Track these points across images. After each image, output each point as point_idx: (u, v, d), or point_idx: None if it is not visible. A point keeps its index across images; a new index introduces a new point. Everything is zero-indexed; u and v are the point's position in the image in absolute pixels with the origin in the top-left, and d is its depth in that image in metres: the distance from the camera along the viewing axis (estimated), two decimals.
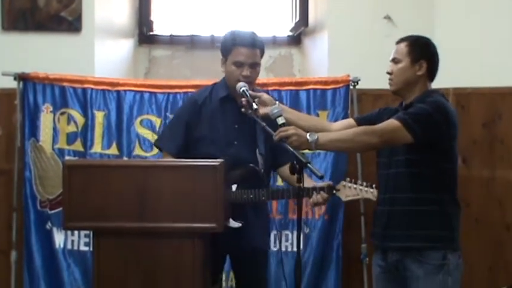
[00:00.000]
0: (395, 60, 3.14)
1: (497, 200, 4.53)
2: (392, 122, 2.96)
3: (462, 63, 4.64)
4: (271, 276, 4.16)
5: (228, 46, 3.39)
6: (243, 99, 3.22)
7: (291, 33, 5.27)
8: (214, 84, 3.55)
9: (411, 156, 3.00)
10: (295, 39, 5.29)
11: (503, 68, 4.48)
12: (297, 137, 2.87)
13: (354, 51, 4.72)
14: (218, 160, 3.04)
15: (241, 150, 3.38)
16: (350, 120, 3.42)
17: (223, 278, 4.06)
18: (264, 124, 3.14)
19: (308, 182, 3.25)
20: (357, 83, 4.41)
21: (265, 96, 3.24)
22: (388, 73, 3.15)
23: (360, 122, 3.31)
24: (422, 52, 3.14)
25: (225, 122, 3.42)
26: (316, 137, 2.87)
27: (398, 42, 3.19)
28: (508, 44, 4.49)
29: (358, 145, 3.06)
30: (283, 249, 4.30)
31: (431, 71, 3.18)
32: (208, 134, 3.41)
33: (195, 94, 3.74)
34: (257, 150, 3.34)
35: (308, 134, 2.87)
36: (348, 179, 3.29)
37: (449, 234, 3.03)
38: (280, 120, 2.93)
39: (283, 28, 5.31)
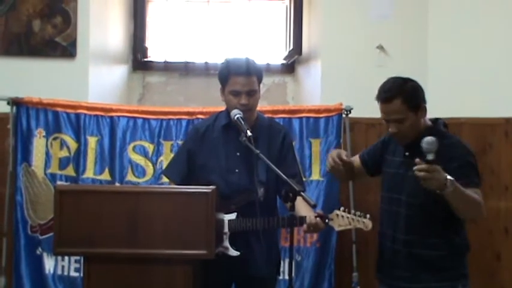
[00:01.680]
0: (398, 121, 3.05)
1: (487, 229, 4.53)
2: (477, 194, 3.00)
3: (455, 94, 4.68)
4: None
5: (224, 76, 3.41)
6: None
7: (284, 61, 5.30)
8: (220, 112, 3.55)
9: (428, 200, 3.01)
10: (289, 67, 5.32)
11: (494, 99, 4.52)
12: (437, 178, 2.84)
13: (347, 80, 4.75)
14: (210, 187, 3.05)
15: (242, 178, 3.38)
16: (355, 159, 3.44)
17: None
18: (258, 152, 3.16)
19: (306, 210, 3.25)
20: (350, 112, 4.42)
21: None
22: (393, 133, 3.11)
23: (365, 160, 3.38)
24: (417, 98, 3.08)
25: (226, 150, 3.42)
26: (453, 180, 2.84)
27: (387, 101, 3.06)
28: (500, 76, 4.53)
29: (473, 212, 3.05)
30: None
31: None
32: (210, 162, 3.41)
33: (198, 123, 3.78)
34: (255, 179, 3.33)
35: (447, 176, 2.84)
36: (342, 208, 3.28)
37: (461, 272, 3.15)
38: (430, 157, 2.86)
39: (277, 56, 5.34)
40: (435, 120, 3.20)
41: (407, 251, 3.11)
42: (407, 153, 3.11)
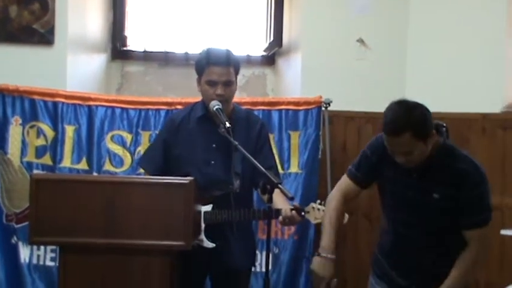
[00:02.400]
0: (408, 153, 2.83)
1: None
2: (485, 231, 2.93)
3: (433, 89, 4.70)
4: None
5: (201, 65, 3.40)
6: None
7: (264, 53, 5.29)
8: (195, 103, 3.54)
9: (445, 225, 2.96)
10: (269, 59, 5.31)
11: (472, 94, 4.55)
12: None
13: (327, 73, 4.76)
14: (188, 178, 3.04)
15: (218, 169, 3.37)
16: (345, 185, 3.20)
17: None
18: (237, 143, 3.15)
19: (283, 203, 3.25)
20: (329, 105, 4.42)
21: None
22: (401, 163, 2.90)
23: (359, 181, 3.17)
24: (427, 127, 2.84)
25: (202, 141, 3.41)
26: None
27: (395, 135, 2.80)
28: (478, 72, 4.56)
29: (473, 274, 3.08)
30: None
31: None
32: (186, 154, 3.40)
33: (174, 114, 3.76)
34: (232, 171, 3.32)
35: None
36: (318, 201, 3.29)
37: None
38: None
39: (257, 48, 5.33)
40: (436, 127, 2.97)
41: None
42: (414, 175, 2.94)
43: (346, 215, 3.20)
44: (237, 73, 3.45)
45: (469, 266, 2.94)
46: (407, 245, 3.05)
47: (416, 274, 3.05)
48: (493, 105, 4.49)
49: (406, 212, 3.00)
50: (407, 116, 2.79)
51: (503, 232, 4.09)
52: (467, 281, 2.99)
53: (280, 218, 3.24)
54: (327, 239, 3.03)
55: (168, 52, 5.27)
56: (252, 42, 5.38)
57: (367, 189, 3.21)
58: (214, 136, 3.32)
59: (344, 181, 3.17)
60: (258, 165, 3.09)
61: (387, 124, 2.84)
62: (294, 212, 3.25)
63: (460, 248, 2.94)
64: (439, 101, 4.62)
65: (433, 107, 4.61)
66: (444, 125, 3.06)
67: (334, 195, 3.14)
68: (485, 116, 4.52)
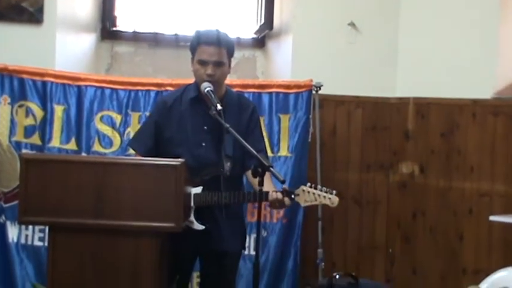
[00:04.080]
0: None
1: (451, 209, 4.60)
2: None
3: (424, 74, 4.72)
4: None
5: (194, 45, 3.38)
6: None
7: (255, 36, 5.27)
8: (188, 85, 3.52)
9: None
10: (260, 42, 5.29)
11: (463, 80, 4.56)
12: None
13: (318, 56, 4.76)
14: (179, 160, 3.03)
15: (209, 152, 3.36)
16: None
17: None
18: (228, 126, 3.14)
19: (271, 187, 3.25)
20: (320, 88, 4.42)
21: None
22: None
23: None
24: None
25: (194, 124, 3.40)
26: None
27: None
28: (469, 58, 4.57)
29: None
30: None
31: None
32: (177, 135, 3.39)
33: (166, 95, 3.74)
34: (222, 153, 3.31)
35: None
36: (309, 184, 3.28)
37: None
38: None
39: (248, 30, 5.30)
40: None
41: None
42: None
43: (336, 198, 3.20)
44: (230, 55, 3.43)
45: None
46: None
47: None
48: (484, 91, 4.50)
49: None
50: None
51: (492, 218, 4.12)
52: None
53: (269, 199, 3.24)
54: None
55: (157, 33, 5.24)
56: (242, 24, 5.36)
57: None
58: (206, 118, 3.31)
59: None
60: (250, 148, 3.08)
61: None
62: (280, 194, 3.22)
63: None
64: (430, 86, 4.68)
65: (423, 92, 4.68)
66: None
67: None
68: (476, 102, 4.54)
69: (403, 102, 4.79)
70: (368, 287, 4.15)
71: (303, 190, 3.27)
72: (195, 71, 3.39)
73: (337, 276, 4.00)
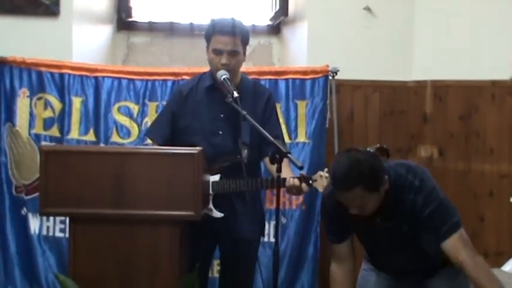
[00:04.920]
0: (362, 205, 2.77)
1: (471, 192, 4.58)
2: (463, 237, 2.90)
3: (441, 56, 4.68)
4: None
5: (209, 34, 3.39)
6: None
7: (270, 23, 5.26)
8: (203, 73, 3.53)
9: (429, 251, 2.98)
10: (275, 29, 5.28)
11: (481, 61, 4.52)
12: None
13: (334, 42, 4.73)
14: (197, 148, 3.04)
15: (226, 140, 3.37)
16: (337, 250, 3.16)
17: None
18: (245, 113, 3.14)
19: (289, 173, 3.26)
20: (336, 74, 4.41)
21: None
22: (359, 213, 2.83)
23: (340, 239, 3.12)
24: (378, 178, 2.75)
25: (210, 112, 3.41)
26: None
27: (347, 190, 2.72)
28: (486, 38, 4.52)
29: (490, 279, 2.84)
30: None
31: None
32: (194, 124, 3.40)
33: (181, 84, 3.76)
34: (239, 140, 3.32)
35: None
36: (326, 169, 3.28)
37: None
38: None
39: (263, 17, 5.30)
40: (381, 152, 3.05)
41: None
42: (378, 219, 2.90)
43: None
44: (244, 44, 3.42)
45: (478, 278, 2.79)
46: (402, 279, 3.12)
47: None
48: (502, 72, 4.45)
49: (388, 253, 3.03)
50: (357, 171, 2.68)
51: None
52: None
53: (286, 186, 3.25)
54: None
55: (173, 23, 5.25)
56: (257, 11, 5.35)
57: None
58: (222, 106, 3.31)
59: (332, 250, 3.19)
60: (267, 134, 3.08)
61: (337, 180, 2.76)
62: (296, 180, 3.24)
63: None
64: (447, 69, 4.63)
65: (441, 75, 4.64)
66: (385, 147, 3.16)
67: (331, 266, 3.19)
68: (494, 83, 4.50)
69: (420, 85, 4.76)
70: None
71: (321, 176, 3.28)
72: (210, 60, 3.39)
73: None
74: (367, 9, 4.75)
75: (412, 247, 2.95)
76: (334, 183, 2.79)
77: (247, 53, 3.51)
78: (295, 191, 3.30)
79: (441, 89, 4.67)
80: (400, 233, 2.92)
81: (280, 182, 3.06)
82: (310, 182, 3.27)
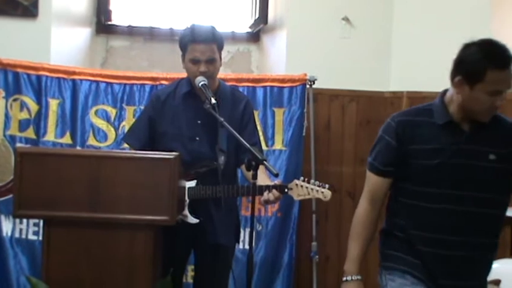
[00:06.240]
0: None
1: None
2: None
3: (417, 68, 4.73)
4: None
5: (184, 43, 3.39)
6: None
7: (250, 30, 5.28)
8: (181, 79, 3.53)
9: (500, 194, 2.69)
10: (254, 36, 5.30)
11: None
12: None
13: (312, 51, 4.76)
14: (173, 153, 3.05)
15: (203, 146, 3.38)
16: (375, 184, 2.82)
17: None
18: (222, 119, 3.15)
19: (265, 180, 3.27)
20: (314, 82, 4.44)
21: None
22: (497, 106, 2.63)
23: (385, 173, 2.79)
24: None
25: (187, 118, 3.41)
26: None
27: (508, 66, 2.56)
28: None
29: None
30: None
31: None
32: (171, 130, 3.40)
33: (159, 90, 3.76)
34: (216, 147, 3.33)
35: None
36: (302, 178, 3.29)
37: None
38: None
39: (243, 24, 5.31)
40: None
41: (481, 256, 2.69)
42: (463, 138, 2.63)
43: (329, 192, 3.22)
44: (220, 50, 3.43)
45: None
46: (459, 224, 2.64)
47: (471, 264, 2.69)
48: None
49: (454, 184, 2.62)
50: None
51: None
52: None
53: (262, 199, 3.26)
54: (350, 260, 2.82)
55: (153, 27, 5.25)
56: (237, 18, 5.37)
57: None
58: (200, 112, 3.32)
59: (369, 180, 2.84)
60: (243, 141, 3.10)
61: (499, 56, 2.57)
62: (271, 195, 3.23)
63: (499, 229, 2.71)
64: (424, 81, 4.67)
65: (418, 87, 4.69)
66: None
67: (361, 204, 2.86)
68: None
69: (396, 96, 4.81)
70: None
71: (296, 184, 3.28)
72: (187, 69, 3.40)
73: None
74: (346, 19, 4.79)
75: (485, 187, 2.63)
76: (495, 61, 2.55)
77: (226, 59, 3.52)
78: (270, 202, 3.31)
79: (417, 100, 4.69)
80: (483, 161, 2.61)
81: (256, 190, 3.08)
82: (286, 190, 3.28)
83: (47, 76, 4.31)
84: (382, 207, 2.84)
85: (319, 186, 3.24)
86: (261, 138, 3.93)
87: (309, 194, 3.26)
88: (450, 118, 2.66)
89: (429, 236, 2.66)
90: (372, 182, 2.81)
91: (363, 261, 2.84)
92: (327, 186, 3.23)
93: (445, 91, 2.77)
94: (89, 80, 4.35)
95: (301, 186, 3.27)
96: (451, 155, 2.62)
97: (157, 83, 4.33)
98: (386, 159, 2.74)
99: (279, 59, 4.93)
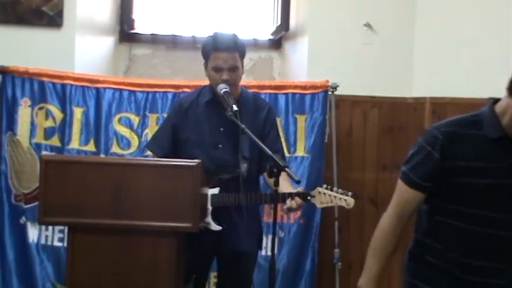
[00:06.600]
0: None
1: None
2: None
3: (440, 73, 4.71)
4: None
5: (207, 51, 3.41)
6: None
7: (271, 37, 5.30)
8: (204, 87, 3.56)
9: None
10: (276, 43, 5.32)
11: (479, 79, 4.54)
12: None
13: (334, 57, 4.76)
14: (196, 160, 3.06)
15: (226, 153, 3.40)
16: (407, 196, 2.55)
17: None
18: (244, 126, 3.17)
19: (287, 187, 3.28)
20: (336, 89, 4.44)
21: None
22: None
23: (420, 186, 2.52)
24: None
25: (210, 125, 3.43)
26: None
27: None
28: (487, 56, 4.55)
29: None
30: None
31: None
32: (194, 137, 3.43)
33: (182, 97, 3.79)
34: (239, 154, 3.34)
35: None
36: (325, 185, 3.30)
37: None
38: None
39: (264, 31, 5.33)
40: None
41: None
42: None
43: (352, 200, 3.22)
44: (242, 57, 3.45)
45: None
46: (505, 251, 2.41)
47: None
48: (501, 91, 4.46)
49: (508, 207, 2.37)
50: None
51: None
52: None
53: (285, 207, 3.26)
54: (368, 277, 2.58)
55: (175, 35, 5.28)
56: (259, 25, 5.39)
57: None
58: (222, 120, 3.34)
59: (400, 191, 2.56)
60: (265, 148, 3.11)
61: None
62: (294, 202, 3.23)
63: None
64: (446, 86, 4.65)
65: (440, 92, 4.66)
66: None
67: (387, 217, 2.60)
68: None
69: (419, 102, 4.79)
70: None
71: (319, 192, 3.28)
72: (210, 77, 3.43)
73: None
74: (368, 25, 4.78)
75: None
76: None
77: (248, 67, 3.54)
78: (293, 210, 3.32)
79: (440, 106, 4.70)
80: None
81: (278, 198, 3.09)
82: (309, 197, 3.28)
83: (71, 85, 4.36)
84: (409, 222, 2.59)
85: (342, 193, 3.24)
86: (283, 145, 3.95)
87: (332, 201, 3.26)
88: (504, 132, 2.37)
89: (478, 264, 2.39)
90: (404, 194, 2.52)
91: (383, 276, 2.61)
92: (349, 194, 3.23)
93: (495, 100, 2.49)
94: (112, 88, 4.39)
95: (324, 193, 3.27)
96: (506, 175, 2.36)
97: (180, 90, 4.36)
98: (425, 173, 2.44)
99: (300, 66, 4.94)
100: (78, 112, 4.36)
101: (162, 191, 3.01)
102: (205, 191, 3.26)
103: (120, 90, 4.40)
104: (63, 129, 4.34)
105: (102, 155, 4.29)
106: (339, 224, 4.47)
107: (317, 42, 4.80)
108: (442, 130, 2.45)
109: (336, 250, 4.45)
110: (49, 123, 4.35)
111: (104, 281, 3.00)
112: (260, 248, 3.68)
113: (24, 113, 4.33)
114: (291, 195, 3.25)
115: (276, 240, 3.09)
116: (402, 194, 2.53)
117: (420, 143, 2.48)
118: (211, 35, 3.46)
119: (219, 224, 3.32)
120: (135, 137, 4.38)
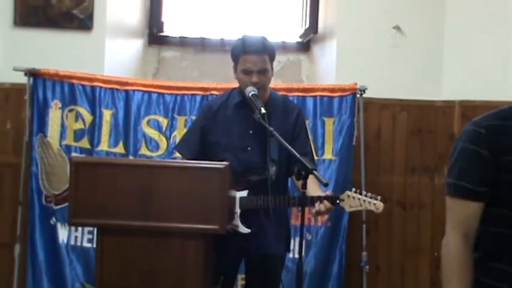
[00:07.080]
0: None
1: None
2: None
3: (470, 76, 4.67)
4: None
5: (236, 54, 3.41)
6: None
7: (300, 40, 5.30)
8: (233, 89, 3.57)
9: None
10: (304, 46, 5.32)
11: (510, 82, 4.50)
12: None
13: (362, 60, 4.75)
14: (224, 163, 3.07)
15: (254, 156, 3.40)
16: (465, 211, 2.18)
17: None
18: (272, 129, 3.17)
19: (316, 190, 3.27)
20: (364, 92, 4.43)
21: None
22: None
23: (476, 194, 2.17)
24: None
25: (239, 128, 3.44)
26: None
27: None
28: None
29: None
30: None
31: None
32: (223, 139, 3.44)
33: (211, 100, 3.81)
34: (267, 157, 3.35)
35: None
36: (354, 189, 3.28)
37: None
38: None
39: (293, 34, 5.33)
40: None
41: None
42: None
43: (381, 204, 3.21)
44: (272, 60, 3.45)
45: None
46: None
47: None
48: None
49: None
50: None
51: None
52: None
53: (313, 211, 3.26)
54: None
55: (204, 38, 5.31)
56: (287, 28, 5.39)
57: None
58: (251, 122, 3.34)
59: (454, 209, 2.20)
60: (293, 150, 3.11)
61: None
62: (322, 206, 3.23)
63: None
64: (476, 90, 4.61)
65: (470, 96, 4.62)
66: None
67: (450, 243, 2.18)
68: None
69: (448, 105, 4.76)
70: None
71: (348, 195, 3.27)
72: (239, 80, 3.43)
73: None
74: (397, 28, 4.76)
75: None
76: None
77: (276, 69, 3.54)
78: (322, 214, 3.31)
79: (469, 109, 4.66)
80: None
81: (306, 201, 3.08)
82: (338, 201, 3.27)
83: (100, 87, 4.41)
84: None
85: (371, 197, 3.23)
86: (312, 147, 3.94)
87: (361, 205, 3.25)
88: None
89: None
90: (460, 209, 2.16)
91: None
92: (379, 198, 3.22)
93: None
94: (141, 90, 4.43)
95: (353, 197, 3.25)
96: None
97: (208, 93, 4.38)
98: (479, 176, 2.12)
99: (329, 68, 4.93)
100: (107, 114, 4.40)
101: (190, 193, 3.01)
102: (233, 193, 3.26)
103: (149, 92, 4.43)
104: (93, 131, 4.38)
105: (130, 157, 4.32)
106: (366, 227, 4.45)
107: (345, 44, 4.79)
108: (484, 124, 2.16)
109: (364, 253, 4.44)
110: (79, 125, 4.40)
111: (132, 281, 3.01)
112: (288, 250, 3.68)
113: (54, 115, 4.38)
114: (320, 199, 3.24)
115: (304, 242, 3.07)
116: (458, 210, 2.17)
117: (461, 144, 2.19)
118: (240, 37, 3.46)
119: (247, 227, 3.33)
120: (164, 139, 4.40)
